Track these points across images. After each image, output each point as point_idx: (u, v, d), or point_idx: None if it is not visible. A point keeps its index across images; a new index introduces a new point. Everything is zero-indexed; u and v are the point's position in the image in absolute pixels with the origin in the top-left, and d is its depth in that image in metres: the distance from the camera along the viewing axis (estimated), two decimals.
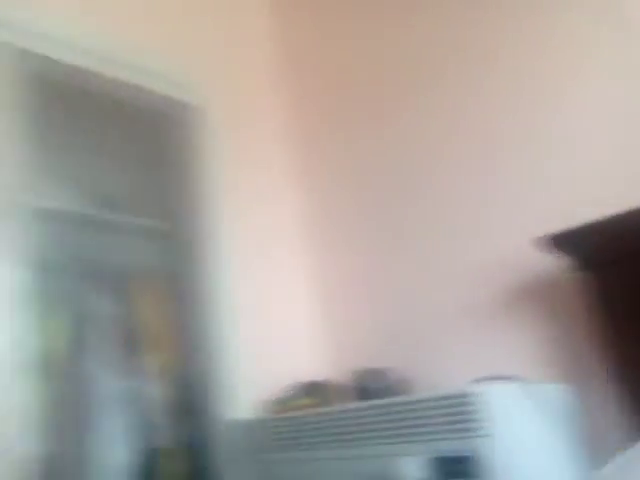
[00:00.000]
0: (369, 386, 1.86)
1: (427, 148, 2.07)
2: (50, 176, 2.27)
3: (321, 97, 2.48)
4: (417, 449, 1.42)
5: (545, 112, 1.78)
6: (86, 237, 2.35)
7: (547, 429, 1.43)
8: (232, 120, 2.37)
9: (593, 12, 1.72)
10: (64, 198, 2.30)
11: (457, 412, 1.35)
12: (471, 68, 1.97)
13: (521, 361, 1.73)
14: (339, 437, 1.62)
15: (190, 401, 2.12)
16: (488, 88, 1.92)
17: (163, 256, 2.47)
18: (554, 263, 1.68)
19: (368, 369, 1.91)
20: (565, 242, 1.52)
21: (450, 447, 1.37)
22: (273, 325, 2.19)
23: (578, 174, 1.70)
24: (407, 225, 2.10)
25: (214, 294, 2.09)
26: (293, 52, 2.62)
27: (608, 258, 1.46)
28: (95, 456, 1.93)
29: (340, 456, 1.61)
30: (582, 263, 1.52)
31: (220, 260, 2.14)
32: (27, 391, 1.60)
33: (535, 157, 1.79)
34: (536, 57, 1.82)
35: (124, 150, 2.59)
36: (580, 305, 1.63)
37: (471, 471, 1.32)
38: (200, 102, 2.29)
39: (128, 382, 2.06)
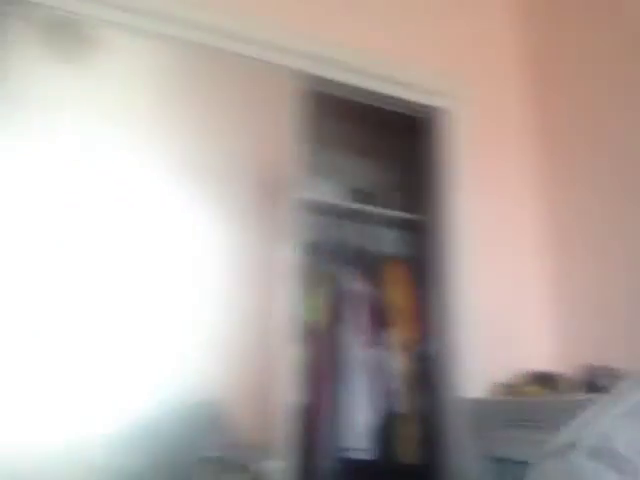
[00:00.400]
0: (597, 382, 1.90)
1: None
2: (320, 174, 2.67)
3: (568, 101, 2.49)
4: None
5: None
6: (348, 226, 2.73)
7: None
8: (477, 120, 2.52)
9: None
10: (331, 193, 2.69)
11: None
12: None
13: None
14: (562, 424, 1.72)
15: (426, 374, 2.36)
16: None
17: (411, 243, 2.74)
18: None
19: (597, 365, 1.94)
20: None
21: None
22: (507, 314, 2.32)
23: None
24: None
25: (455, 279, 2.29)
26: (541, 55, 2.65)
27: None
28: (343, 412, 2.28)
29: None
30: None
31: (461, 248, 2.33)
32: (293, 353, 1.99)
33: None
34: None
35: (382, 151, 2.92)
36: None
37: None
38: (447, 106, 2.49)
39: (375, 352, 2.38)
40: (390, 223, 2.76)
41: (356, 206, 2.69)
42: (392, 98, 2.44)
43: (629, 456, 0.48)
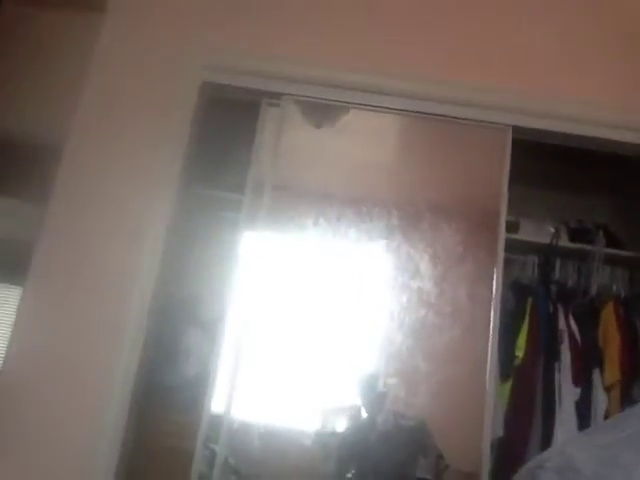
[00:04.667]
0: None
1: None
2: (533, 214, 2.85)
3: None
4: None
5: None
6: (562, 265, 2.85)
7: None
8: None
9: None
10: (544, 232, 2.84)
11: None
12: None
13: None
14: None
15: None
16: None
17: (627, 281, 2.78)
18: None
19: None
20: None
21: None
22: None
23: None
24: None
25: None
26: None
27: None
28: (546, 447, 2.44)
29: None
30: None
31: None
32: (499, 387, 2.22)
33: None
34: None
35: (593, 190, 2.99)
36: None
37: None
38: None
39: (581, 391, 2.48)
40: (607, 261, 2.80)
41: (569, 244, 2.80)
42: (603, 140, 2.49)
43: (588, 474, 0.57)
